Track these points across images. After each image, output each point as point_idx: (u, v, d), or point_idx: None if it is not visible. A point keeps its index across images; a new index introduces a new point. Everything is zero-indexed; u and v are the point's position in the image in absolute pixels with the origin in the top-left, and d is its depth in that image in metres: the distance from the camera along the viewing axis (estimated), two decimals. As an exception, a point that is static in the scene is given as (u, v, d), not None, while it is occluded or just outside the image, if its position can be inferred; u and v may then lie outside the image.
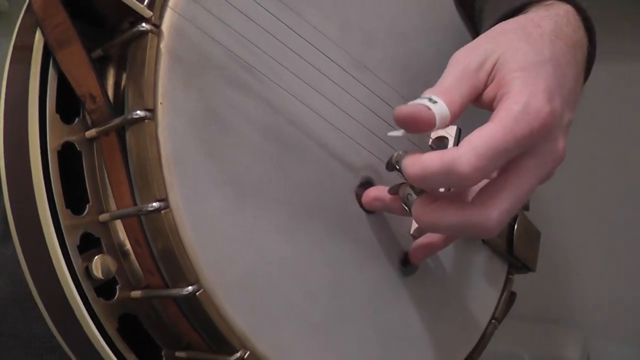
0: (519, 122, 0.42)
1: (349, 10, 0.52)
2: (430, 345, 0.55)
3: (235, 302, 0.41)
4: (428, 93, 0.43)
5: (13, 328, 0.59)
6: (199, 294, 0.40)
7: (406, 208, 0.46)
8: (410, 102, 0.42)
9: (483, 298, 0.62)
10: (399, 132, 0.43)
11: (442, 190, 0.46)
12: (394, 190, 0.48)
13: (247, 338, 0.42)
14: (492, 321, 0.63)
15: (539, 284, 1.32)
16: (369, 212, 0.52)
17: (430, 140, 0.49)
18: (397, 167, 0.44)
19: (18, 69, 0.44)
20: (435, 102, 0.42)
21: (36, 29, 0.43)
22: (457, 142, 0.49)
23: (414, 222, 0.54)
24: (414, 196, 0.45)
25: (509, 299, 0.65)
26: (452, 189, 0.47)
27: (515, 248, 0.64)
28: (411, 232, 0.54)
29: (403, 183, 0.47)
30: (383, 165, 0.52)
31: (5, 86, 0.45)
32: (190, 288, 0.40)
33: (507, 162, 0.44)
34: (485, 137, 0.42)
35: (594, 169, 1.28)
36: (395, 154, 0.44)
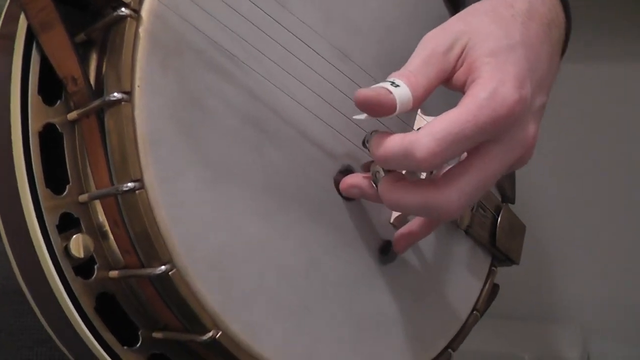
0: (483, 109, 0.42)
1: (334, 0, 0.53)
2: (406, 334, 0.56)
3: (208, 281, 0.42)
4: (392, 76, 0.44)
5: (3, 321, 0.60)
6: (172, 273, 0.41)
7: (374, 185, 0.47)
8: (373, 86, 0.43)
9: (464, 289, 0.63)
10: (363, 116, 0.44)
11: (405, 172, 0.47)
12: (365, 167, 0.49)
13: (220, 317, 0.43)
14: (474, 312, 0.63)
15: (539, 283, 1.33)
16: (348, 199, 0.52)
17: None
18: (367, 147, 0.45)
19: (1, 57, 0.45)
20: (397, 85, 0.43)
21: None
22: None
23: (394, 211, 0.55)
24: (382, 174, 0.46)
25: (491, 291, 0.66)
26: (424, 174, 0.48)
27: (498, 240, 0.64)
28: (391, 221, 0.55)
29: (374, 161, 0.47)
30: (361, 153, 0.53)
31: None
32: (163, 267, 0.41)
33: (473, 146, 0.45)
34: (446, 122, 0.42)
35: (595, 169, 1.28)
36: (367, 133, 0.45)
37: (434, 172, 0.48)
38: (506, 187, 0.68)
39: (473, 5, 0.49)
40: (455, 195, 0.44)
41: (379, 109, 0.43)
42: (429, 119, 0.50)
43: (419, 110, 0.55)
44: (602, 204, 1.29)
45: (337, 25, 0.52)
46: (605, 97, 1.20)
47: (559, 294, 1.36)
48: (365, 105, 0.43)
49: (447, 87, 0.47)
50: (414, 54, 0.45)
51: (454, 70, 0.46)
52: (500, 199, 0.67)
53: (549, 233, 1.28)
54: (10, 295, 0.59)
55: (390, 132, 0.44)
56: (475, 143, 0.44)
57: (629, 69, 1.19)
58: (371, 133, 0.45)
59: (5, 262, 0.61)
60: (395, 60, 0.55)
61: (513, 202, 0.69)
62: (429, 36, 0.46)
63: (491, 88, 0.43)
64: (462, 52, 0.45)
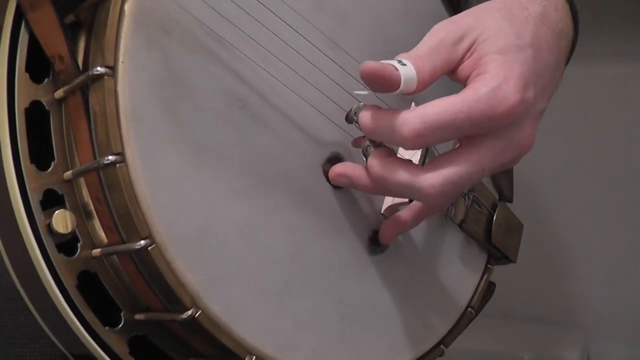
0: (480, 104, 0.42)
1: (325, -11, 0.53)
2: (396, 327, 0.55)
3: (187, 259, 0.42)
4: (400, 56, 0.44)
5: None
6: (151, 248, 0.41)
7: (364, 159, 0.47)
8: (380, 62, 0.43)
9: (458, 284, 0.62)
10: (365, 91, 0.44)
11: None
12: (356, 142, 0.49)
13: (199, 296, 0.42)
14: (468, 309, 0.62)
15: (540, 284, 1.32)
16: (337, 187, 0.52)
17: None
18: (355, 119, 0.45)
19: None
20: (404, 64, 0.43)
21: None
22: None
23: (385, 201, 0.55)
24: (372, 148, 0.46)
25: (487, 288, 0.65)
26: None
27: (493, 237, 0.64)
28: (382, 211, 0.55)
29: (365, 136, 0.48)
30: (352, 140, 0.53)
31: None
32: (142, 242, 0.41)
33: (468, 137, 0.45)
34: (439, 107, 0.42)
35: (595, 169, 1.27)
36: (355, 106, 0.45)
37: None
38: (503, 186, 0.67)
39: (486, 2, 0.49)
40: (439, 181, 0.44)
41: (383, 82, 0.43)
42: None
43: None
44: (602, 204, 1.29)
45: (326, 13, 0.52)
46: (605, 97, 1.19)
47: (559, 294, 1.36)
48: (369, 78, 0.43)
49: (451, 78, 0.47)
50: (422, 41, 0.46)
51: (460, 62, 0.46)
52: (497, 197, 0.66)
53: (549, 233, 1.28)
54: (4, 292, 0.59)
55: (381, 107, 0.44)
56: (463, 134, 0.44)
57: (629, 69, 1.18)
58: (363, 106, 0.45)
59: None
60: (385, 51, 0.56)
61: (511, 201, 0.68)
62: (439, 26, 0.46)
63: (494, 84, 0.43)
64: (471, 46, 0.46)
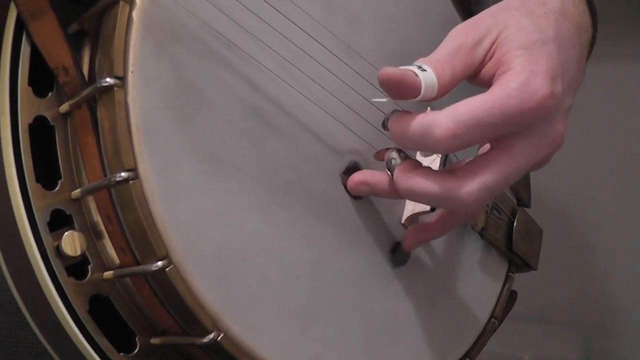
0: (511, 99, 0.41)
1: (335, -8, 0.51)
2: (421, 341, 0.53)
3: (206, 278, 0.40)
4: (419, 61, 0.42)
5: None
6: (169, 269, 0.38)
7: (388, 173, 0.45)
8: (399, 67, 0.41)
9: (481, 295, 0.60)
10: (384, 99, 0.42)
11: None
12: (379, 156, 0.47)
13: (220, 318, 0.40)
14: (492, 320, 0.60)
15: (540, 284, 1.31)
16: (356, 198, 0.50)
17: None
18: (387, 126, 0.44)
19: None
20: (424, 70, 0.41)
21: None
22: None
23: (405, 210, 0.53)
24: (398, 160, 0.44)
25: (509, 297, 0.63)
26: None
27: (514, 244, 0.61)
28: (402, 221, 0.53)
29: (389, 148, 0.46)
30: (370, 150, 0.51)
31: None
32: (159, 263, 0.38)
33: (498, 139, 0.43)
34: (471, 106, 0.41)
35: (594, 169, 1.27)
36: (389, 113, 0.43)
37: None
38: (521, 191, 0.65)
39: (504, 1, 0.47)
40: (475, 188, 0.42)
41: (403, 89, 0.41)
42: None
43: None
44: (601, 205, 1.28)
45: (338, 16, 0.50)
46: (605, 98, 1.19)
47: (559, 294, 1.36)
48: (388, 84, 0.41)
49: (472, 83, 0.45)
50: (441, 45, 0.44)
51: (481, 65, 0.44)
52: (515, 202, 0.64)
53: (549, 234, 1.28)
54: (5, 306, 0.57)
55: (411, 112, 0.42)
56: (497, 133, 0.42)
57: (629, 69, 1.18)
58: (392, 112, 0.43)
59: (-1, 274, 0.60)
60: (397, 54, 0.54)
61: (529, 206, 0.66)
62: (458, 29, 0.45)
63: (523, 79, 0.41)
64: (491, 47, 0.44)
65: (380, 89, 0.42)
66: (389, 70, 0.41)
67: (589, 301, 1.34)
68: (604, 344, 1.33)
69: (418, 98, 0.42)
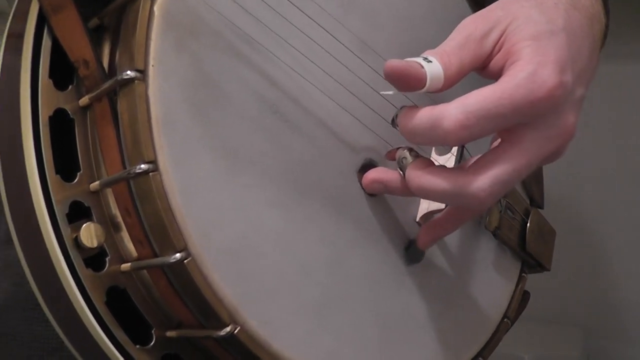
0: (520, 89, 0.41)
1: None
2: (435, 339, 0.53)
3: (224, 272, 0.40)
4: (425, 53, 0.42)
5: (14, 329, 0.59)
6: (187, 261, 0.38)
7: (400, 172, 0.45)
8: (405, 59, 0.41)
9: (494, 295, 0.60)
10: (391, 92, 0.42)
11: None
12: (390, 155, 0.47)
13: (237, 311, 0.40)
14: (505, 320, 0.60)
15: (539, 284, 1.31)
16: (371, 195, 0.50)
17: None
18: (396, 124, 0.44)
19: (12, 54, 0.43)
20: (430, 61, 0.41)
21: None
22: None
23: (420, 209, 0.53)
24: (409, 159, 0.44)
25: (522, 297, 0.63)
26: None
27: (528, 244, 0.61)
28: (417, 219, 0.53)
29: (400, 147, 0.46)
30: (386, 147, 0.51)
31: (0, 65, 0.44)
32: (177, 255, 0.38)
33: (508, 131, 0.43)
34: (480, 96, 0.40)
35: (593, 169, 1.27)
36: (397, 109, 0.43)
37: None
38: (534, 191, 0.65)
39: None
40: (487, 183, 0.42)
41: (408, 81, 0.41)
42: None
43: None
44: (600, 204, 1.28)
45: (355, 14, 0.50)
46: (605, 98, 1.19)
47: (559, 294, 1.36)
48: (393, 76, 0.41)
49: (482, 75, 0.45)
50: (449, 37, 0.44)
51: (490, 57, 0.44)
52: (528, 202, 0.64)
53: None
54: (21, 302, 0.58)
55: (420, 106, 0.42)
56: (507, 124, 0.42)
57: (629, 69, 1.18)
58: (401, 108, 0.43)
59: (16, 269, 0.60)
60: (413, 52, 0.54)
61: (542, 207, 0.66)
62: (466, 21, 0.45)
63: (531, 69, 0.41)
64: (499, 39, 0.44)
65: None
66: (394, 62, 0.41)
67: (589, 301, 1.34)
68: (604, 343, 1.33)
69: (424, 89, 0.42)
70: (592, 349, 1.32)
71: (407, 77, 0.41)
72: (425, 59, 0.42)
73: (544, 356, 1.24)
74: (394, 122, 0.44)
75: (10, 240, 0.62)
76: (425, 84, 0.41)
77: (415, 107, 0.43)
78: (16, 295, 0.59)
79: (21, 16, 0.43)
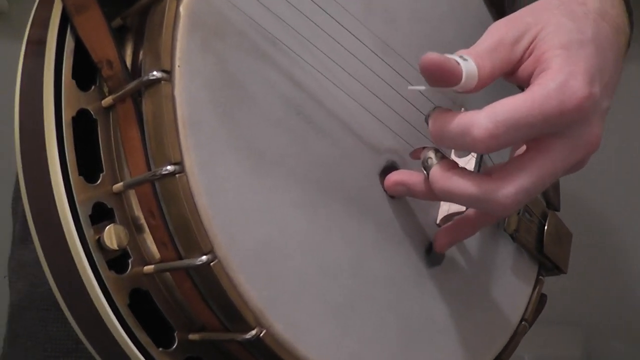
0: (550, 99, 0.40)
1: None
2: (455, 342, 0.52)
3: (250, 274, 0.39)
4: (460, 52, 0.42)
5: (30, 330, 0.59)
6: (213, 264, 0.38)
7: (424, 173, 0.45)
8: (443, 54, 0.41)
9: (512, 298, 0.60)
10: (421, 87, 0.42)
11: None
12: (415, 154, 0.47)
13: (263, 313, 0.40)
14: (523, 322, 0.60)
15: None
16: (393, 197, 0.50)
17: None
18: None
19: (33, 60, 0.43)
20: (465, 59, 0.41)
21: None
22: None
23: (440, 211, 0.53)
24: (435, 160, 0.44)
25: (539, 300, 0.62)
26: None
27: (545, 247, 0.61)
28: (437, 221, 0.53)
29: (425, 147, 0.45)
30: (408, 149, 0.50)
31: (21, 71, 0.44)
32: (204, 258, 0.38)
33: (535, 140, 0.43)
34: (509, 106, 0.40)
35: (593, 168, 1.27)
36: (431, 109, 0.43)
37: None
38: (551, 194, 0.65)
39: (543, 0, 0.47)
40: (512, 189, 0.42)
41: (444, 75, 0.40)
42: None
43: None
44: (599, 204, 1.27)
45: (377, 16, 0.50)
46: (623, 99, 1.18)
47: (559, 294, 1.35)
48: (430, 69, 0.40)
49: (509, 80, 0.45)
50: (480, 40, 0.44)
51: (519, 62, 0.44)
52: (545, 204, 0.64)
53: None
54: (36, 302, 0.58)
55: (451, 110, 0.42)
56: (535, 134, 0.42)
57: (629, 69, 1.18)
58: (434, 109, 0.43)
59: (31, 269, 0.60)
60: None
61: (558, 209, 0.66)
62: (497, 25, 0.44)
63: (561, 79, 0.41)
64: (530, 44, 0.44)
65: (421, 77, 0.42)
66: (432, 55, 0.40)
67: (589, 301, 1.33)
68: (604, 343, 1.32)
69: (458, 86, 0.41)
70: (593, 349, 1.31)
71: (443, 71, 0.40)
72: (461, 56, 0.41)
73: (544, 356, 1.24)
74: (427, 120, 0.44)
75: (24, 240, 0.62)
76: (460, 80, 0.41)
77: (448, 110, 0.42)
78: (31, 296, 0.59)
79: (41, 22, 0.43)
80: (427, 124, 0.44)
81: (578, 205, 1.30)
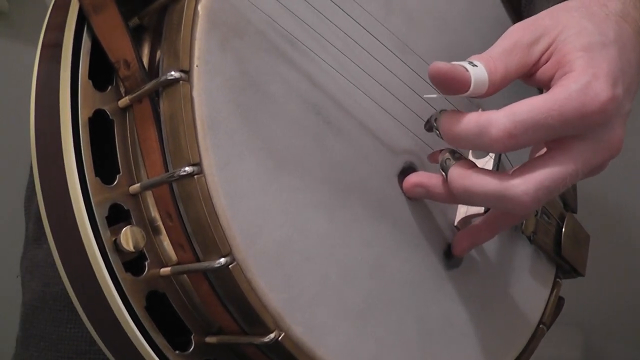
0: (572, 101, 0.40)
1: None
2: (473, 344, 0.52)
3: (269, 277, 0.39)
4: (471, 58, 0.42)
5: (43, 330, 0.58)
6: (232, 266, 0.38)
7: (443, 174, 0.44)
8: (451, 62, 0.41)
9: (530, 300, 0.59)
10: (435, 94, 0.41)
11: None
12: (433, 157, 0.46)
13: (281, 317, 0.39)
14: (540, 325, 0.59)
15: None
16: (411, 199, 0.49)
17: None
18: (435, 126, 0.43)
19: (49, 62, 0.43)
20: (475, 65, 0.40)
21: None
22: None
23: (458, 213, 0.52)
24: (452, 161, 0.43)
25: (557, 303, 0.62)
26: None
27: (563, 249, 0.60)
28: (455, 223, 0.52)
29: (443, 149, 0.45)
30: (426, 150, 0.50)
31: (36, 74, 0.43)
32: (222, 260, 0.38)
33: (557, 141, 0.42)
34: (529, 106, 0.40)
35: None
36: (435, 113, 0.43)
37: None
38: (568, 196, 0.64)
39: (564, 2, 0.47)
40: (532, 188, 0.41)
41: (452, 84, 0.40)
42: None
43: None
44: (598, 203, 1.27)
45: (396, 16, 0.50)
46: None
47: (560, 294, 1.35)
48: (437, 78, 0.40)
49: (528, 83, 0.45)
50: (496, 43, 0.43)
51: (537, 65, 0.43)
52: (562, 206, 0.63)
53: None
54: (50, 303, 0.57)
55: (462, 111, 0.42)
56: (554, 135, 0.41)
57: None
58: (439, 112, 0.43)
59: (45, 269, 0.59)
60: (452, 55, 0.53)
61: (575, 211, 0.65)
62: (514, 28, 0.44)
63: (584, 81, 0.40)
64: (548, 47, 0.43)
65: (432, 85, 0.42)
66: (439, 64, 0.40)
67: (589, 301, 1.32)
68: (604, 344, 1.32)
69: (467, 93, 0.41)
70: (592, 349, 1.31)
71: (451, 79, 0.40)
72: (470, 63, 0.41)
73: (544, 356, 1.23)
74: (428, 124, 0.44)
75: (37, 240, 0.62)
76: (469, 88, 0.41)
77: (459, 111, 0.42)
78: (44, 296, 0.59)
79: (56, 26, 0.43)
80: (431, 128, 0.44)
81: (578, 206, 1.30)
